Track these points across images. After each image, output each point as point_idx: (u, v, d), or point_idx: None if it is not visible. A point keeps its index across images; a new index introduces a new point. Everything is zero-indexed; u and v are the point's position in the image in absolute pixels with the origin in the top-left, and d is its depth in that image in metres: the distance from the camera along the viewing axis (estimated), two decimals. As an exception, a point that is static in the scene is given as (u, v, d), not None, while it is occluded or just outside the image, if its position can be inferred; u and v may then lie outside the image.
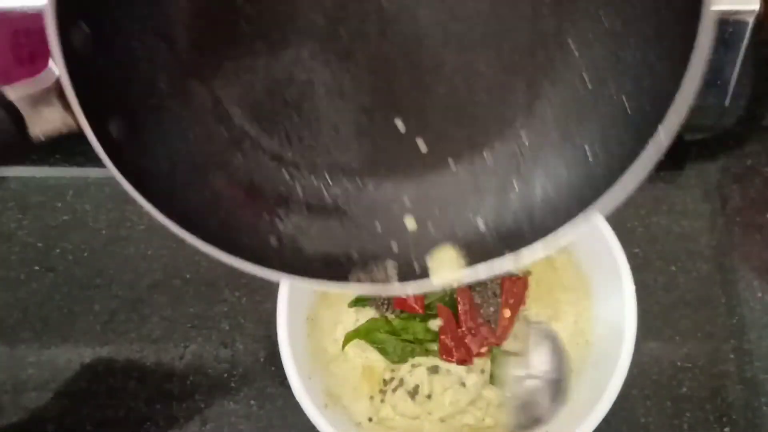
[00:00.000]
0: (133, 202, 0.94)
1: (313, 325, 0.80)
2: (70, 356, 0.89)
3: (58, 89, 0.51)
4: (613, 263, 0.77)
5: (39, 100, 0.52)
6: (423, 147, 0.62)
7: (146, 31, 0.57)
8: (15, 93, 0.52)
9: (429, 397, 0.78)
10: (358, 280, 0.59)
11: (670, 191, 0.95)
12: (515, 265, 0.54)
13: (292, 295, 0.76)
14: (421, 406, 0.78)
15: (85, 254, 0.94)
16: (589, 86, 0.58)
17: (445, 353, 0.79)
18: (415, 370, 0.79)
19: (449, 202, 0.62)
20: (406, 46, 0.60)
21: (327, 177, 0.63)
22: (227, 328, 0.89)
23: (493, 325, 0.81)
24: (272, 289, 0.76)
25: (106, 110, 0.54)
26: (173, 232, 0.54)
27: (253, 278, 0.89)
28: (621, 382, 0.72)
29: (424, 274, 0.58)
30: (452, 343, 0.79)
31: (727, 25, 0.80)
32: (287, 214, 0.62)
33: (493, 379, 0.79)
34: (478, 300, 0.82)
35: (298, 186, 0.62)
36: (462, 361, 0.79)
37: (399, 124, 0.62)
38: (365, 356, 0.80)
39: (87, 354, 0.89)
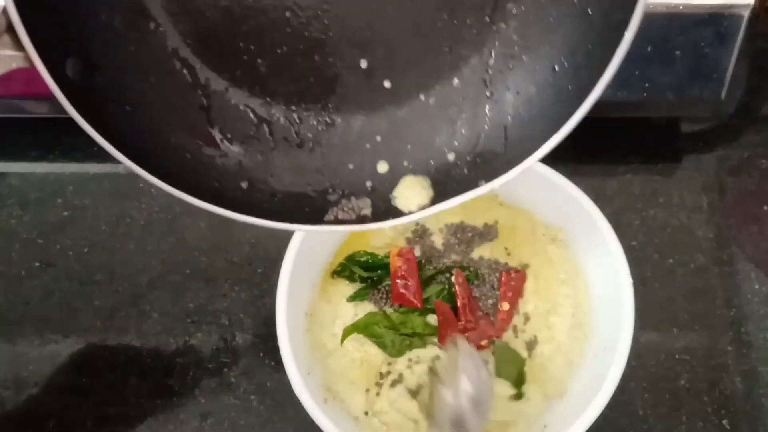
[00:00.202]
0: (133, 197, 0.94)
1: (311, 320, 0.80)
2: (71, 352, 0.89)
3: (8, 27, 0.50)
4: (611, 256, 0.77)
5: None
6: (387, 83, 0.62)
7: None
8: None
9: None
10: (334, 220, 0.59)
11: (667, 184, 0.95)
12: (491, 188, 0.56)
13: (291, 291, 0.76)
14: (425, 408, 0.78)
15: (85, 250, 0.94)
16: None
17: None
18: (416, 367, 0.79)
19: (422, 135, 0.62)
20: None
21: (294, 116, 0.63)
22: (227, 323, 0.89)
23: (492, 318, 0.82)
24: (271, 284, 0.76)
25: (61, 50, 0.53)
26: (143, 177, 0.55)
27: (253, 273, 0.90)
28: (619, 375, 0.72)
29: (399, 210, 0.59)
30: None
31: (723, 18, 0.80)
32: (256, 156, 0.62)
33: (499, 372, 0.80)
34: (476, 294, 0.83)
35: (265, 127, 0.62)
36: (462, 355, 0.79)
37: (362, 61, 0.62)
38: (364, 350, 0.80)
39: (87, 350, 0.89)
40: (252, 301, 0.90)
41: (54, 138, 0.99)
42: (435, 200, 0.58)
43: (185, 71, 0.60)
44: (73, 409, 0.86)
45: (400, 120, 0.63)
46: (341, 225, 0.60)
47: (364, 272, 0.83)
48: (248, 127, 0.62)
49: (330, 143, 0.63)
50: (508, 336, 0.81)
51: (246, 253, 0.92)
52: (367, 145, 0.63)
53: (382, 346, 0.80)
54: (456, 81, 0.62)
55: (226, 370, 0.87)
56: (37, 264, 0.93)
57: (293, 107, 0.63)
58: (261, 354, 0.87)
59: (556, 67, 0.57)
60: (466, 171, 0.60)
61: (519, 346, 0.81)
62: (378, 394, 0.79)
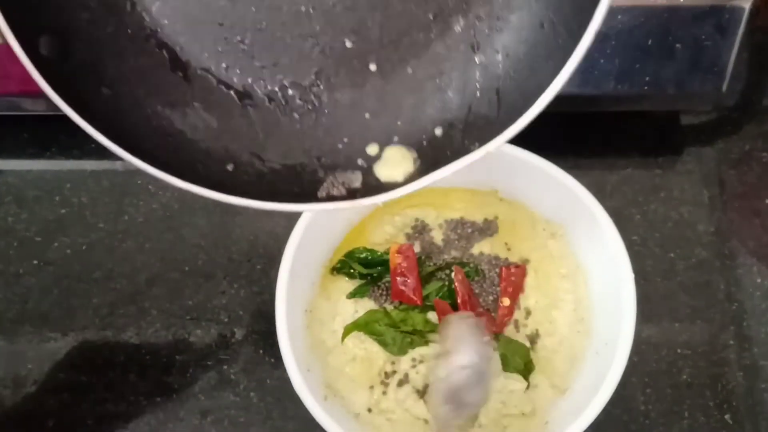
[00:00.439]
0: (131, 194, 0.94)
1: (311, 317, 0.80)
2: (70, 350, 0.89)
3: None
4: (612, 251, 0.77)
5: None
6: (373, 63, 0.62)
7: None
8: None
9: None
10: (326, 197, 0.59)
11: (668, 177, 0.95)
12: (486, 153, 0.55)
13: (291, 288, 0.76)
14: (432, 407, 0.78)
15: (84, 248, 0.94)
16: None
17: (448, 345, 0.79)
18: (420, 367, 0.79)
19: (412, 108, 0.62)
20: None
21: (279, 96, 0.62)
22: (226, 320, 0.89)
23: (493, 314, 0.81)
24: (271, 280, 0.76)
25: (34, 28, 0.53)
26: (124, 158, 0.54)
27: (253, 270, 0.90)
28: (621, 370, 0.72)
29: (391, 184, 0.58)
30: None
31: (724, 11, 0.80)
32: (241, 137, 0.61)
33: (506, 366, 0.79)
34: (477, 289, 0.82)
35: (249, 107, 0.62)
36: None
37: (346, 41, 0.61)
38: (364, 347, 0.80)
39: (86, 348, 0.89)
40: (251, 297, 0.90)
41: (51, 135, 0.99)
42: (429, 170, 0.58)
43: (164, 52, 0.60)
44: (73, 408, 0.86)
45: (389, 95, 0.62)
46: (333, 202, 0.59)
47: (364, 269, 0.83)
48: (232, 108, 0.62)
49: (317, 123, 0.63)
50: (509, 331, 0.81)
51: (245, 250, 0.92)
52: (356, 123, 0.62)
53: (383, 344, 0.80)
54: (443, 50, 0.61)
55: (225, 367, 0.87)
56: (35, 262, 0.93)
57: (277, 87, 0.62)
58: (261, 351, 0.87)
59: (545, 24, 0.57)
60: (460, 139, 0.59)
61: (521, 340, 0.81)
62: (384, 393, 0.78)
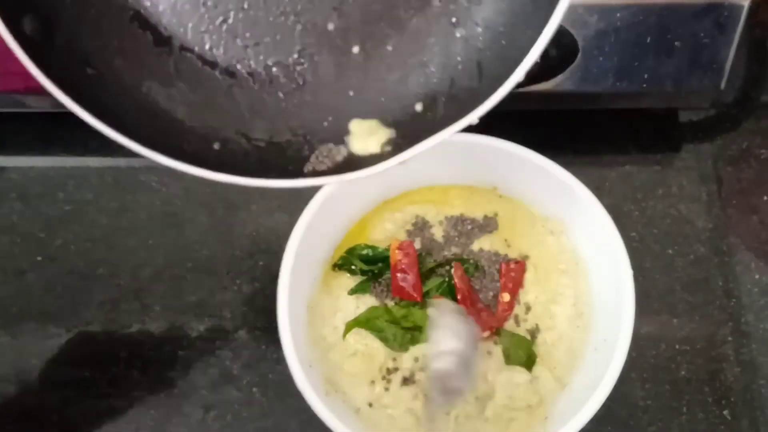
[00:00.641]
0: (135, 191, 0.95)
1: (313, 313, 0.81)
2: (73, 346, 0.89)
3: None
4: (610, 247, 0.77)
5: None
6: (355, 45, 0.63)
7: None
8: None
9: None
10: (312, 172, 0.60)
11: (666, 174, 0.95)
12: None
13: (293, 284, 0.76)
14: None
15: (87, 244, 0.94)
16: None
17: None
18: (421, 363, 0.80)
19: (394, 85, 0.63)
20: None
21: (263, 75, 0.63)
22: (229, 315, 0.90)
23: (493, 309, 0.82)
24: (273, 276, 0.76)
25: (18, 6, 0.53)
26: (110, 136, 0.55)
27: (255, 266, 0.91)
28: (621, 366, 0.72)
29: (375, 158, 0.59)
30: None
31: (722, 8, 0.80)
32: (225, 116, 0.62)
33: (508, 359, 0.80)
34: (477, 285, 0.83)
35: (234, 86, 0.63)
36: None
37: (329, 24, 0.62)
38: (365, 343, 0.80)
39: (89, 344, 0.89)
40: (254, 293, 0.91)
41: (55, 132, 0.99)
42: (411, 143, 0.58)
43: (148, 33, 0.60)
44: (76, 403, 0.86)
45: (372, 72, 0.63)
46: (319, 177, 0.59)
47: (365, 265, 0.83)
48: (216, 87, 0.62)
49: (302, 101, 0.63)
50: (510, 326, 0.82)
51: (247, 246, 0.93)
52: (340, 101, 0.63)
53: (384, 339, 0.80)
54: (424, 26, 0.62)
55: (228, 362, 0.87)
56: (39, 258, 0.94)
57: (261, 66, 0.63)
58: (263, 346, 0.88)
59: None
60: (443, 112, 0.60)
61: (522, 334, 0.82)
62: (387, 389, 0.79)
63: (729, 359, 0.86)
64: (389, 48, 0.63)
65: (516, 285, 0.82)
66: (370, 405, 0.78)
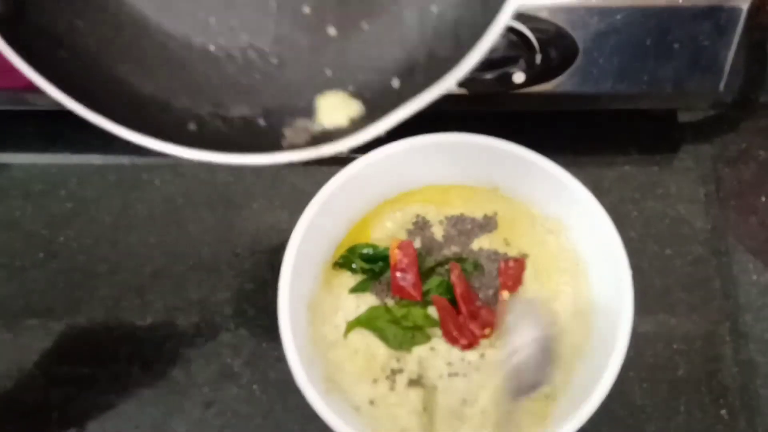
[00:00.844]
0: (137, 189, 0.95)
1: (313, 312, 0.81)
2: (74, 343, 0.90)
3: None
4: (609, 247, 0.78)
5: None
6: (331, 30, 0.63)
7: None
8: None
9: (464, 400, 0.79)
10: (289, 146, 0.60)
11: (665, 175, 0.95)
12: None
13: (294, 282, 0.77)
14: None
15: (89, 241, 0.95)
16: None
17: (451, 341, 0.80)
18: (427, 366, 0.80)
19: (371, 61, 0.63)
20: None
21: (238, 57, 0.63)
22: (230, 313, 0.90)
23: (493, 308, 0.82)
24: (274, 275, 0.76)
25: None
26: (87, 118, 0.55)
27: (256, 264, 0.91)
28: (619, 365, 0.73)
29: (349, 131, 0.59)
30: (455, 330, 0.79)
31: (722, 11, 0.81)
32: (201, 98, 0.62)
33: None
34: (476, 284, 0.83)
35: (210, 70, 0.63)
36: (468, 346, 0.80)
37: (303, 3, 0.63)
38: (365, 342, 0.81)
39: (91, 341, 0.90)
40: (255, 291, 0.91)
41: (57, 130, 0.99)
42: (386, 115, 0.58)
43: (120, 15, 0.61)
44: (77, 400, 0.86)
45: (348, 52, 0.63)
46: (298, 151, 0.59)
47: (366, 264, 0.83)
48: (192, 68, 0.63)
49: (278, 81, 0.64)
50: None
51: (249, 244, 0.93)
52: (318, 81, 0.63)
53: (384, 339, 0.80)
54: (398, 3, 0.62)
55: (229, 360, 0.88)
56: (41, 255, 0.94)
57: (237, 48, 0.63)
58: (264, 344, 0.88)
59: None
60: (422, 82, 0.60)
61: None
62: (392, 389, 0.79)
63: (727, 359, 0.86)
64: (365, 27, 0.63)
65: (515, 283, 0.83)
66: (372, 402, 0.78)
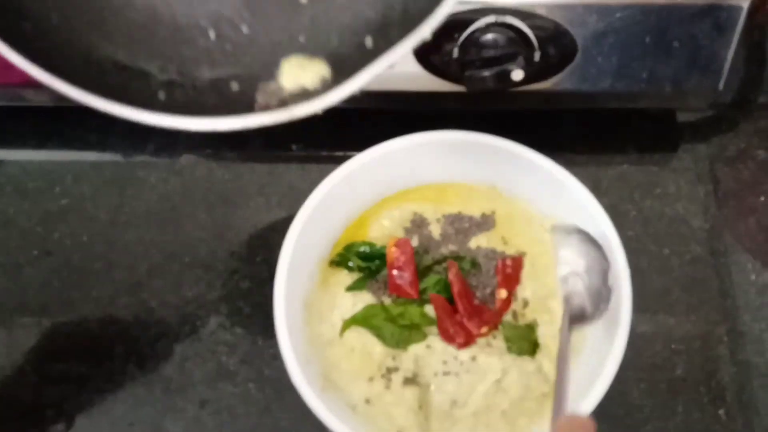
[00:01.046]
0: (133, 186, 0.95)
1: (310, 310, 0.81)
2: (69, 341, 0.89)
3: None
4: (608, 246, 0.77)
5: None
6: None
7: None
8: None
9: (454, 402, 0.78)
10: (263, 108, 0.60)
11: (663, 174, 0.95)
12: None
13: (290, 281, 0.77)
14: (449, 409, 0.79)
15: (84, 239, 0.94)
16: None
17: (447, 339, 0.79)
18: (422, 363, 0.80)
19: (345, 24, 0.63)
20: None
21: (209, 23, 0.63)
22: (226, 311, 0.89)
23: (491, 306, 0.82)
24: (271, 273, 0.76)
25: None
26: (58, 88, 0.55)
27: (252, 263, 0.90)
28: (617, 365, 0.73)
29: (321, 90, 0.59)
30: (452, 329, 0.79)
31: (722, 10, 0.80)
32: (169, 68, 0.62)
33: (510, 349, 0.80)
34: (474, 282, 0.83)
35: (179, 38, 0.63)
36: (465, 344, 0.79)
37: None
38: (362, 340, 0.80)
39: (86, 338, 0.89)
40: (251, 289, 0.90)
41: (52, 126, 0.99)
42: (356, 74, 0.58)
43: None
44: (71, 398, 0.86)
45: (321, 16, 0.63)
46: (270, 113, 0.59)
47: (363, 262, 0.83)
48: (161, 36, 0.63)
49: (250, 49, 0.64)
50: (508, 321, 0.82)
51: (245, 242, 0.93)
52: (290, 47, 0.63)
53: (381, 337, 0.80)
54: None
55: (224, 358, 0.87)
56: (36, 252, 0.94)
57: (206, 16, 0.63)
58: (260, 342, 0.87)
59: None
60: (396, 36, 0.59)
61: (521, 329, 0.82)
62: (388, 387, 0.79)
63: (725, 359, 0.86)
64: None
65: (513, 281, 0.83)
66: (368, 401, 0.78)
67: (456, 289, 0.81)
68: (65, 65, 0.57)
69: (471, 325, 0.79)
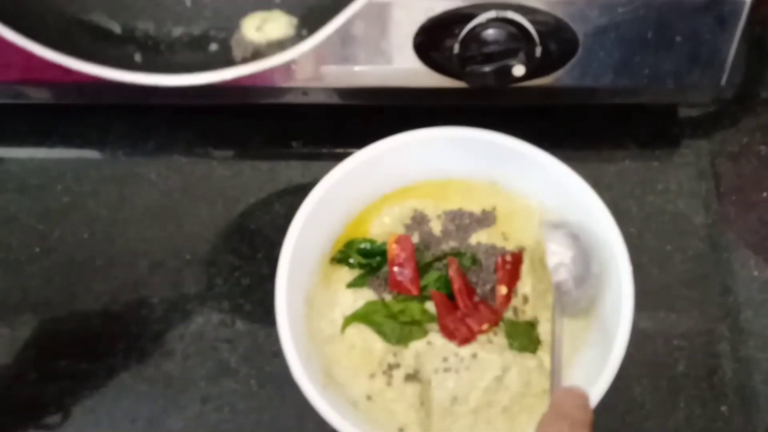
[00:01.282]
0: (133, 183, 0.95)
1: (311, 307, 0.81)
2: (71, 338, 0.89)
3: None
4: (609, 242, 0.77)
5: None
6: None
7: None
8: None
9: (455, 398, 0.78)
10: (240, 61, 0.61)
11: (665, 170, 0.95)
12: None
13: (291, 277, 0.76)
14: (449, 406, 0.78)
15: (85, 236, 0.94)
16: None
17: (448, 336, 0.79)
18: (423, 359, 0.80)
19: None
20: None
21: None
22: (227, 308, 0.89)
23: (491, 303, 0.82)
24: (272, 269, 0.76)
25: None
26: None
27: (254, 259, 0.91)
28: (619, 361, 0.72)
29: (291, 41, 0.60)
30: (453, 325, 0.79)
31: (724, 4, 0.80)
32: (141, 28, 0.63)
33: (511, 345, 0.80)
34: (474, 279, 0.83)
35: (157, 7, 0.63)
36: (465, 341, 0.79)
37: None
38: (362, 337, 0.80)
39: (87, 335, 0.89)
40: (252, 286, 0.90)
41: (53, 124, 0.99)
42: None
43: None
44: (73, 395, 0.86)
45: None
46: (242, 66, 0.60)
47: (363, 259, 0.83)
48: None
49: (224, 7, 0.64)
50: (509, 317, 0.82)
51: (246, 239, 0.93)
52: (260, 3, 0.64)
53: (381, 334, 0.80)
54: None
55: (226, 354, 0.87)
56: (37, 250, 0.94)
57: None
58: (261, 339, 0.87)
59: None
60: None
61: (521, 325, 0.82)
62: (389, 384, 0.79)
63: (727, 355, 0.86)
64: None
65: (513, 277, 0.82)
66: (369, 398, 0.78)
67: (456, 285, 0.80)
68: (40, 27, 0.57)
69: (471, 322, 0.79)
